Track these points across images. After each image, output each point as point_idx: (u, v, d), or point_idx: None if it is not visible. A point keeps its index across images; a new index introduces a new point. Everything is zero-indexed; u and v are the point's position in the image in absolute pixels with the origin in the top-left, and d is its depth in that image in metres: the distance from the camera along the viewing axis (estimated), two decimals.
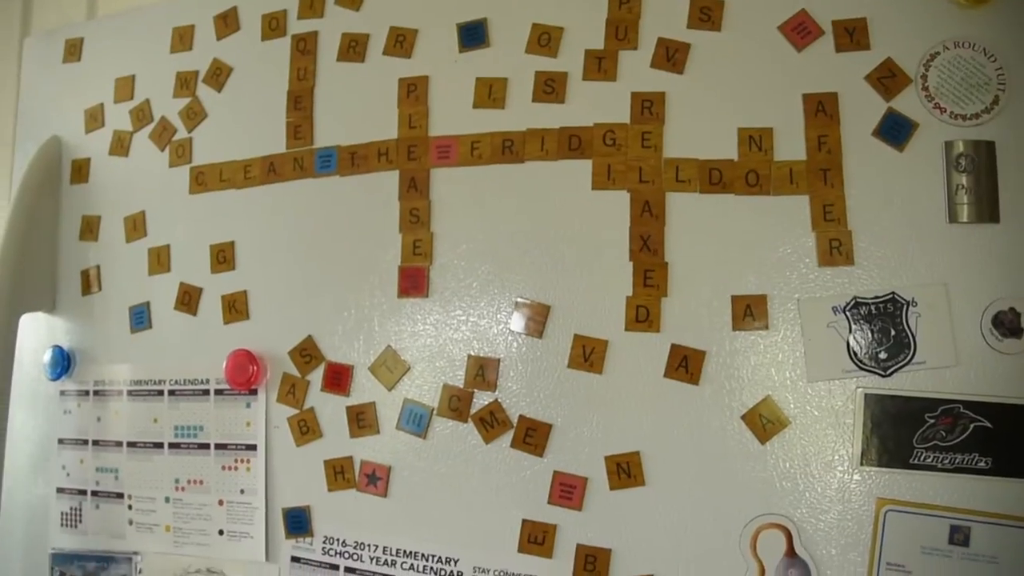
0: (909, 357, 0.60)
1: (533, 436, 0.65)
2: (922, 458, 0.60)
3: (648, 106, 0.64)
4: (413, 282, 0.68)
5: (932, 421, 0.59)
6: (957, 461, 0.59)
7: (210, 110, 0.80)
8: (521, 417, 0.65)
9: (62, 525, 0.81)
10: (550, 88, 0.67)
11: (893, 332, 0.60)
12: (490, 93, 0.68)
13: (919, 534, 0.59)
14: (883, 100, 0.62)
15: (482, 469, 0.66)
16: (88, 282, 0.83)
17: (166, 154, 0.81)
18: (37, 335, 0.84)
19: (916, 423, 0.59)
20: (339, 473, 0.70)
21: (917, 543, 0.59)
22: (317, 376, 0.71)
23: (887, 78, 0.61)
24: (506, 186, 0.68)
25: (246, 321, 0.75)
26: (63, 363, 0.82)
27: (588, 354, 0.64)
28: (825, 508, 0.60)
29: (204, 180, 0.79)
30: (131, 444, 0.78)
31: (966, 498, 0.59)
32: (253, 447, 0.73)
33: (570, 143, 0.65)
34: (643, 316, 0.64)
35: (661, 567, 0.63)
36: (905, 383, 0.59)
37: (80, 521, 0.80)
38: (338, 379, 0.70)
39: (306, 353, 0.71)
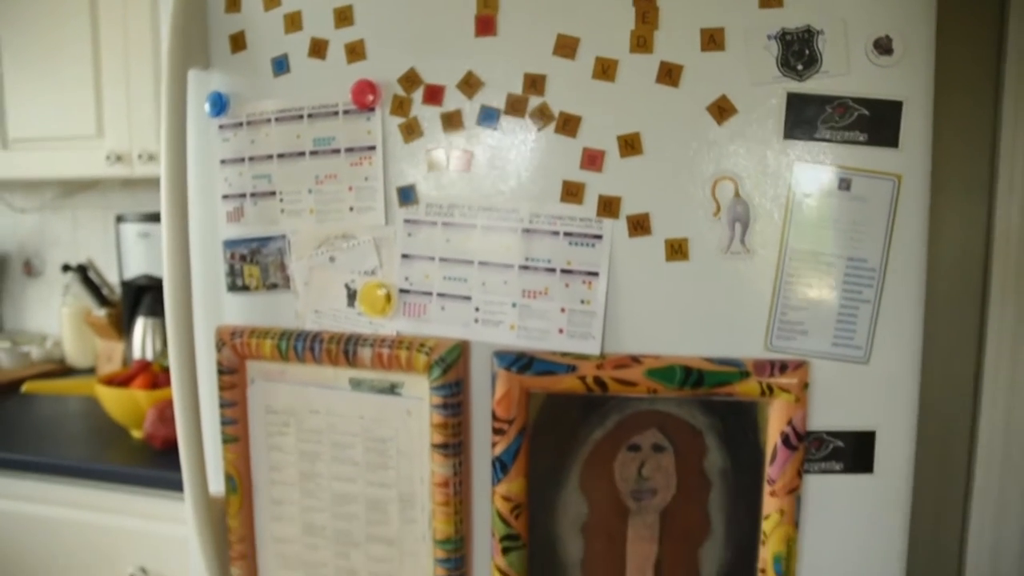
0: (817, 68, 0.84)
1: (569, 125, 0.95)
2: (823, 134, 0.88)
3: None
4: (485, 26, 0.97)
5: (830, 110, 0.85)
6: (846, 136, 0.86)
7: None
8: (561, 112, 0.93)
9: (228, 221, 1.09)
10: None
11: (807, 51, 0.84)
12: None
13: (817, 183, 0.92)
14: None
15: (534, 149, 0.93)
16: (236, 43, 1.05)
17: None
18: (198, 84, 1.08)
19: (820, 111, 0.85)
20: (436, 158, 0.99)
21: (816, 188, 0.92)
22: (419, 95, 0.97)
23: None
24: None
25: (364, 61, 0.98)
26: (221, 103, 1.07)
27: (605, 69, 0.95)
28: (762, 166, 0.88)
29: None
30: (280, 155, 1.04)
31: (850, 160, 0.86)
32: (372, 147, 1.00)
33: None
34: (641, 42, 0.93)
35: (654, 207, 0.90)
36: (814, 85, 0.85)
37: (243, 216, 1.08)
38: (434, 95, 1.00)
39: (410, 79, 1.00)
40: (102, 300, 2.17)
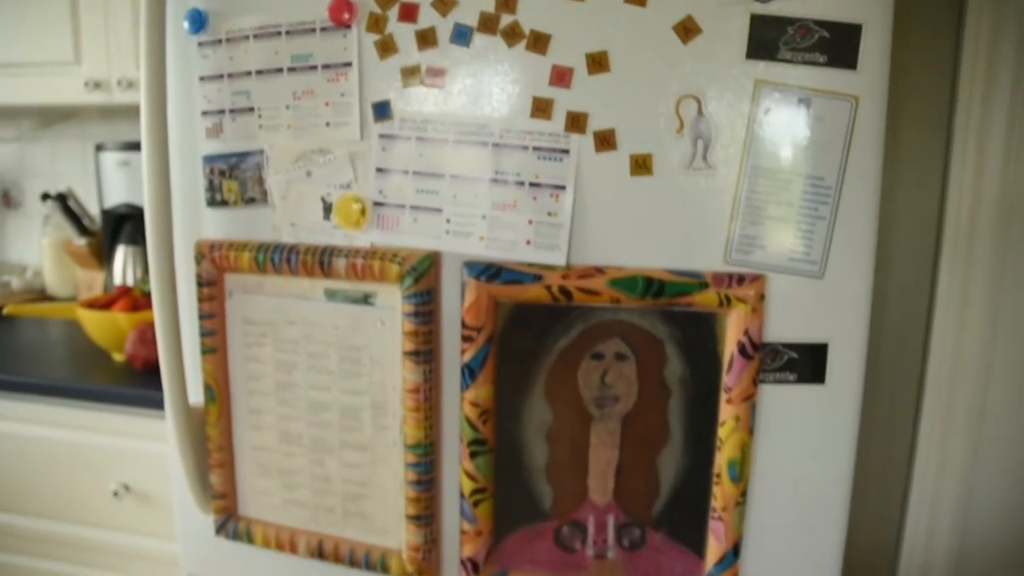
0: None
1: (539, 43, 0.96)
2: (785, 55, 0.90)
3: None
4: None
5: (792, 32, 0.87)
6: (806, 58, 0.88)
7: None
8: (531, 30, 0.93)
9: (207, 137, 1.10)
10: None
11: None
12: None
13: (778, 103, 0.94)
14: None
15: (505, 66, 0.94)
16: None
17: None
18: (176, 2, 1.08)
19: (782, 32, 0.87)
20: (410, 74, 0.99)
21: (776, 108, 0.95)
22: (394, 12, 0.97)
23: None
24: None
25: None
26: (200, 20, 1.07)
27: None
28: (724, 85, 0.90)
29: None
30: (258, 72, 1.05)
31: (810, 81, 0.88)
32: (348, 64, 1.00)
33: None
34: None
35: (620, 123, 0.92)
36: (777, 7, 0.87)
37: (222, 132, 1.09)
38: (408, 13, 1.01)
39: None
40: (82, 230, 2.19)
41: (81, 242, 2.16)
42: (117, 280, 2.04)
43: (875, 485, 1.66)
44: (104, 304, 1.72)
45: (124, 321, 1.65)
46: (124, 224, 2.03)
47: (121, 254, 2.04)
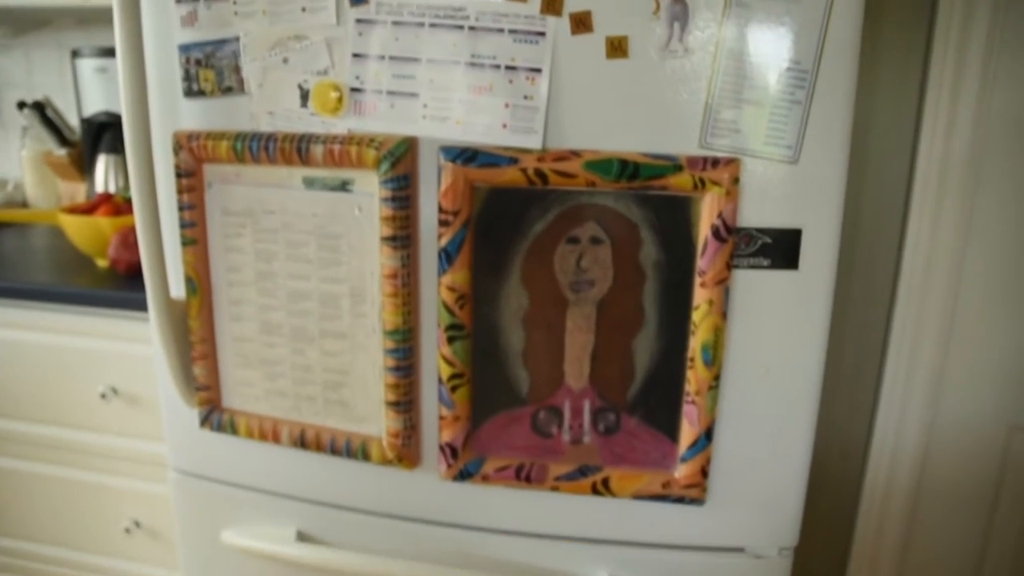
0: None
1: None
2: None
3: None
4: None
5: None
6: None
7: None
8: None
9: (182, 26, 1.09)
10: None
11: None
12: None
13: None
14: None
15: None
16: None
17: None
18: None
19: None
20: None
21: None
22: None
23: None
24: None
25: None
26: None
27: None
28: None
29: None
30: None
31: None
32: None
33: None
34: None
35: (595, 5, 0.90)
36: None
37: (196, 20, 1.07)
38: None
39: None
40: (62, 140, 2.17)
41: (61, 153, 2.14)
42: (99, 190, 2.03)
43: (848, 377, 1.69)
44: (86, 210, 1.72)
45: (107, 226, 1.65)
46: (104, 133, 2.01)
47: (102, 163, 2.03)
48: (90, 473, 1.75)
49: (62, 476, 1.77)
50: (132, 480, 1.72)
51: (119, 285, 1.60)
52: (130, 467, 1.70)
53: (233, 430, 1.19)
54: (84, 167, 2.11)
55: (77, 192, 2.16)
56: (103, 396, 1.64)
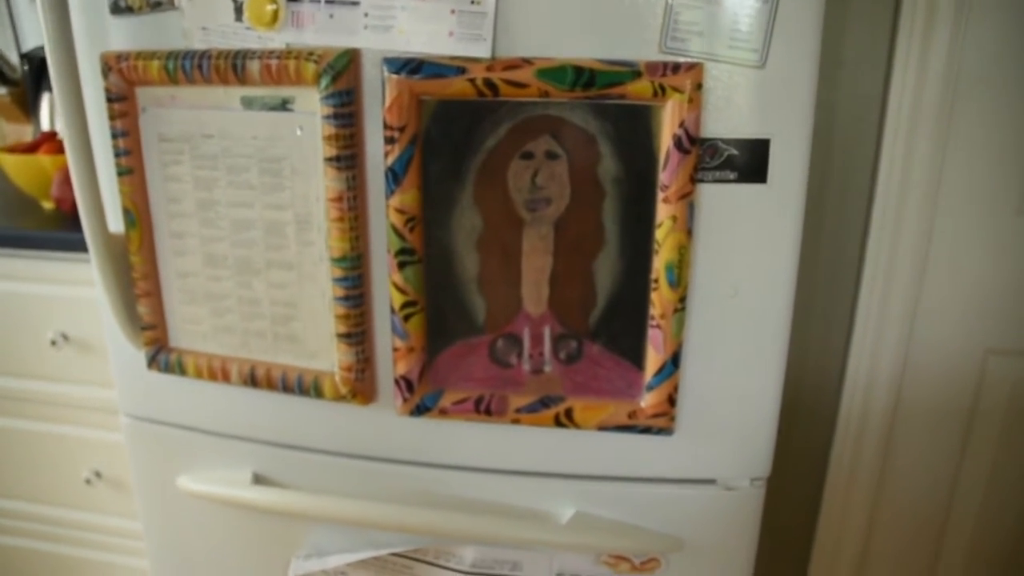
0: None
1: None
2: None
3: None
4: None
5: None
6: None
7: None
8: None
9: None
10: None
11: None
12: None
13: None
14: None
15: None
16: None
17: None
18: None
19: None
20: None
21: None
22: None
23: None
24: None
25: None
26: None
27: None
28: None
29: None
30: None
31: None
32: None
33: None
34: None
35: None
36: None
37: None
38: None
39: None
40: (3, 79, 2.07)
41: (3, 92, 2.04)
42: (45, 129, 1.94)
43: (822, 302, 1.65)
44: (28, 148, 1.64)
45: (49, 164, 1.57)
46: (47, 70, 1.91)
47: (47, 102, 1.94)
48: (46, 424, 1.69)
49: (16, 428, 1.71)
50: (90, 429, 1.66)
51: (64, 226, 1.53)
52: (87, 416, 1.65)
53: (181, 370, 1.13)
54: (28, 106, 2.01)
55: (23, 134, 2.07)
56: (53, 343, 1.58)
